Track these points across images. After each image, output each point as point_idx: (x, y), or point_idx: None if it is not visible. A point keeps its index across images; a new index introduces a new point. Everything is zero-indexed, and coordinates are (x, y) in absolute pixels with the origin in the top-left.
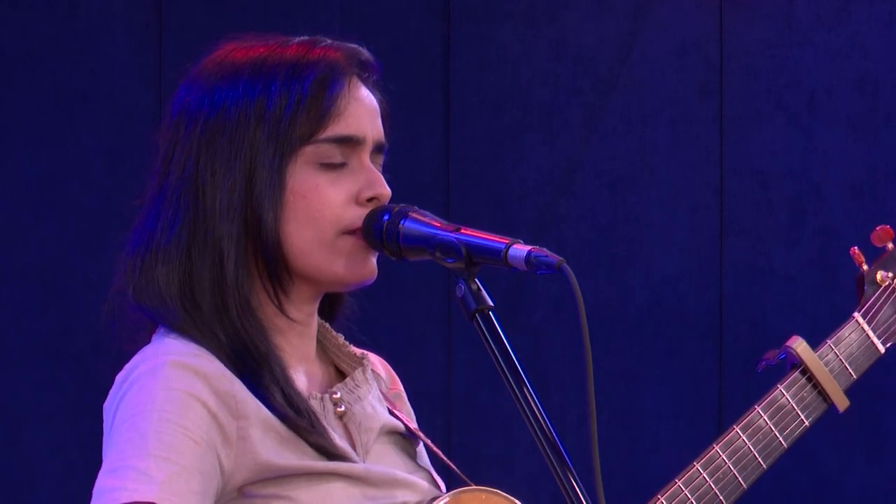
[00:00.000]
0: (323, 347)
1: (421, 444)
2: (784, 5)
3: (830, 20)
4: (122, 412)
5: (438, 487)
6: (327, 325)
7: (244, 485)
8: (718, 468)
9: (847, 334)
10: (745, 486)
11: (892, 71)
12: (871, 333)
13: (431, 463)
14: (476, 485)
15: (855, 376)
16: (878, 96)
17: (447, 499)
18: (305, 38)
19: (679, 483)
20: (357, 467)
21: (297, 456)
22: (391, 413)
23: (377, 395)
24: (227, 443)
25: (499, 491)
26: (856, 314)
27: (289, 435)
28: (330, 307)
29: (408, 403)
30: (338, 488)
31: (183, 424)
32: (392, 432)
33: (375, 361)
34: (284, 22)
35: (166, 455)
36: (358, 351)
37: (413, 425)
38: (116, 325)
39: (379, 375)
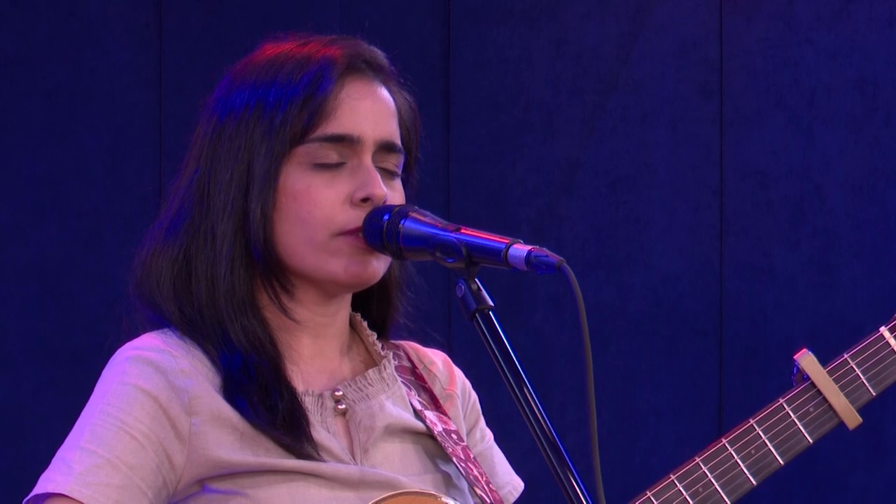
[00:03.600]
0: (366, 346)
1: (455, 447)
2: (784, 5)
3: (830, 20)
4: (86, 405)
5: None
6: (364, 322)
7: (202, 479)
8: (698, 481)
9: (869, 348)
10: (728, 502)
11: (892, 71)
12: None
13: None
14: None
15: (874, 393)
16: (878, 96)
17: (379, 499)
18: (327, 37)
19: (649, 495)
20: (323, 466)
21: (254, 453)
22: (417, 415)
23: (399, 394)
24: (180, 438)
25: (434, 493)
26: (882, 328)
27: (250, 432)
28: (378, 306)
29: (458, 406)
30: (302, 487)
31: (122, 418)
32: (409, 432)
33: (437, 361)
34: (284, 22)
35: (93, 448)
36: (382, 349)
37: (450, 427)
38: (127, 323)
39: (435, 375)
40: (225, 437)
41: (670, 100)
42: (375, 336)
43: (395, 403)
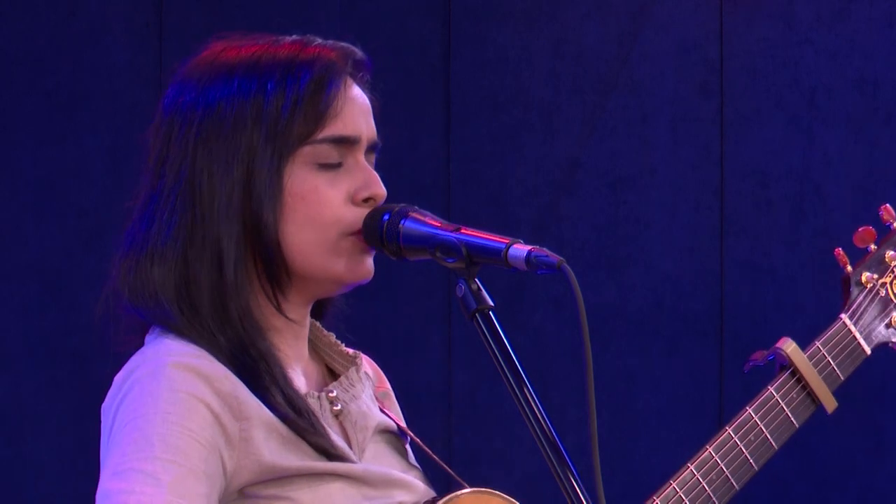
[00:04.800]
0: (314, 347)
1: (409, 442)
2: (784, 5)
3: (830, 20)
4: (124, 414)
5: (430, 486)
6: (318, 324)
7: (246, 486)
8: (712, 469)
9: (835, 336)
10: (737, 487)
11: (892, 71)
12: (857, 335)
13: (421, 462)
14: (470, 484)
15: (842, 378)
16: (878, 96)
17: (447, 500)
18: (297, 36)
19: (674, 484)
20: (356, 467)
21: (298, 457)
22: (383, 412)
23: (370, 393)
24: (230, 444)
25: (497, 491)
26: (843, 315)
27: (290, 436)
28: (320, 306)
29: (395, 402)
30: (337, 489)
31: (187, 426)
32: (385, 431)
33: (364, 361)
34: (284, 22)
35: (172, 457)
36: (350, 350)
37: (402, 424)
38: (110, 326)
39: (367, 375)
40: (272, 441)
41: (670, 100)
42: (334, 336)
43: (372, 403)
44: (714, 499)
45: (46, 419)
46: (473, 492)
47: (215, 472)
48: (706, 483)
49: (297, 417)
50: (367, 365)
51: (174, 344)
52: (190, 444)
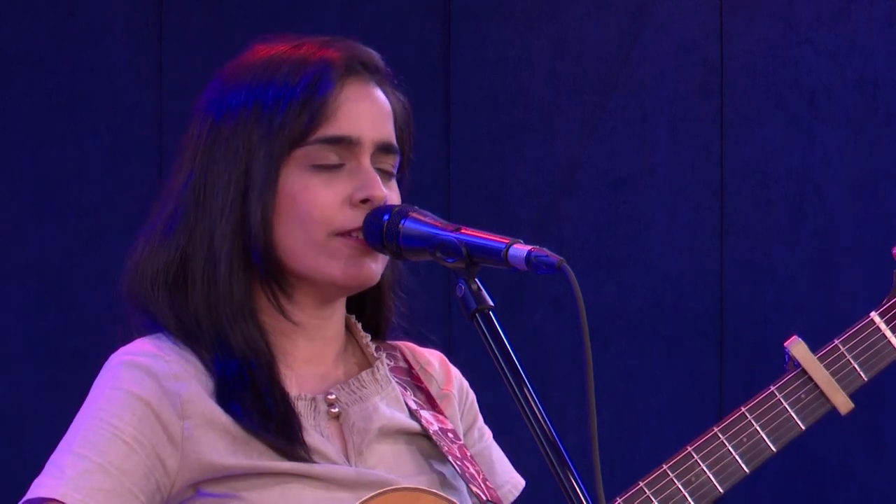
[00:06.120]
0: (360, 347)
1: (450, 446)
2: (784, 5)
3: (830, 20)
4: (80, 410)
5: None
6: (359, 325)
7: (197, 483)
8: (690, 470)
9: (859, 334)
10: (720, 490)
11: (892, 71)
12: (888, 333)
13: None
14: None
15: (865, 378)
16: (878, 96)
17: (372, 496)
18: (321, 38)
19: (642, 485)
20: (317, 468)
21: (249, 456)
22: (413, 415)
23: (393, 395)
24: (172, 442)
25: (430, 489)
26: (873, 313)
27: (243, 436)
28: (372, 307)
29: (457, 405)
30: (295, 488)
31: (113, 423)
32: (404, 433)
33: (433, 361)
34: (284, 22)
35: (85, 452)
36: (375, 351)
37: (446, 426)
38: (122, 327)
39: (431, 375)
40: (217, 440)
41: (670, 100)
42: (369, 338)
43: (389, 405)
44: (690, 501)
45: (46, 419)
46: (399, 489)
47: (139, 469)
48: (681, 484)
49: (258, 419)
50: (438, 365)
51: (142, 342)
52: (110, 440)
